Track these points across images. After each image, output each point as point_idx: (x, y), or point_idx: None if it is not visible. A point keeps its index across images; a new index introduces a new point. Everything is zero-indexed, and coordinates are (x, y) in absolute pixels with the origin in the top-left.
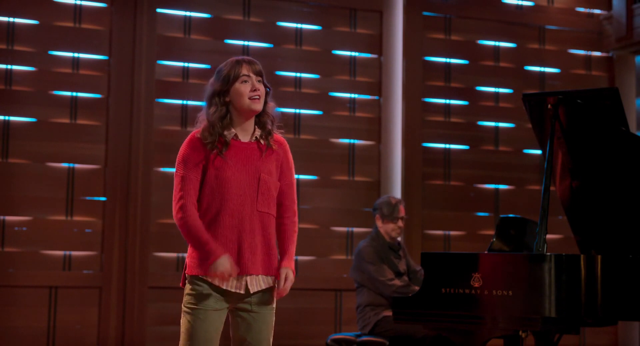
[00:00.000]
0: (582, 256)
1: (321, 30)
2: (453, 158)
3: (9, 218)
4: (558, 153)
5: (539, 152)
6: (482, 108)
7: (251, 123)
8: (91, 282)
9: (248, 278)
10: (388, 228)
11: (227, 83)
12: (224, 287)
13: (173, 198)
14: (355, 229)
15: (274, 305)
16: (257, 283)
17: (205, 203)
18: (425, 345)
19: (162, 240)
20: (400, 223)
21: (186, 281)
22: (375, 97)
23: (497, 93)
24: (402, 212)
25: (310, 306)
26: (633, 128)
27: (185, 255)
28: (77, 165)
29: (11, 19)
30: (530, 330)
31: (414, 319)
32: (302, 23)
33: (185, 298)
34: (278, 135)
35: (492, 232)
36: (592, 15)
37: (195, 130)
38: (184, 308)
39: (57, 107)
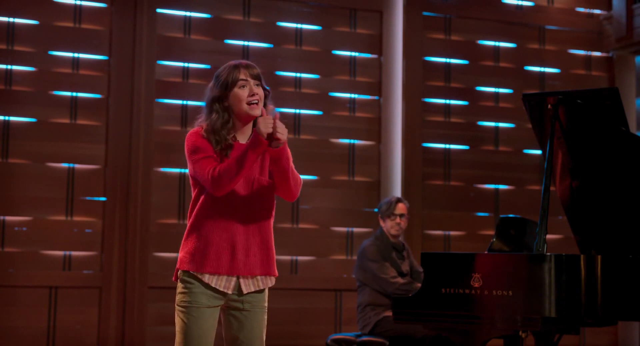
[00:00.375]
0: (582, 256)
1: (321, 30)
2: (453, 159)
3: (9, 218)
4: (558, 153)
5: (539, 152)
6: (482, 109)
7: (250, 126)
8: (91, 282)
9: (241, 279)
10: (387, 226)
11: (225, 88)
12: (213, 285)
13: (204, 181)
14: (355, 229)
15: (266, 304)
16: (254, 283)
17: (204, 202)
18: (425, 345)
19: (162, 240)
20: (398, 220)
21: (178, 276)
22: (375, 97)
23: (497, 94)
24: (400, 209)
25: (311, 306)
26: (633, 129)
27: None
28: (77, 165)
29: (11, 19)
30: (530, 330)
31: (413, 319)
32: (302, 23)
33: (178, 297)
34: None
35: (492, 232)
36: (592, 15)
37: (198, 127)
38: (177, 307)
39: (57, 107)
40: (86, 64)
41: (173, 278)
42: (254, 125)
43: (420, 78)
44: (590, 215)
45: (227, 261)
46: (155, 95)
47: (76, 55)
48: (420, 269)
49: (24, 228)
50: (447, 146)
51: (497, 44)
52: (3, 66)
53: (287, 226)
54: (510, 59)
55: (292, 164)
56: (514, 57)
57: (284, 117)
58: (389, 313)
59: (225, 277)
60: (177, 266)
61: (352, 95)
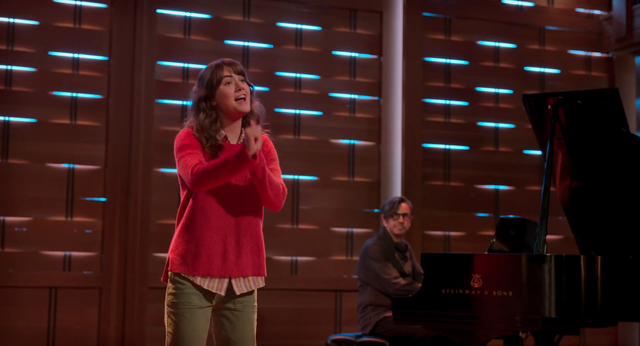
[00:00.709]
0: (582, 256)
1: (321, 31)
2: (453, 159)
3: (9, 218)
4: (558, 153)
5: (539, 152)
6: (482, 109)
7: (238, 124)
8: (91, 283)
9: (233, 280)
10: (390, 225)
11: (211, 87)
12: (205, 287)
13: (185, 175)
14: (355, 230)
15: (256, 303)
16: (246, 284)
17: (194, 205)
18: (425, 345)
19: (162, 241)
20: (401, 219)
21: (168, 278)
22: (375, 98)
23: (497, 94)
24: (403, 208)
25: (311, 306)
26: (633, 129)
27: None
28: (77, 166)
29: (11, 20)
30: (530, 330)
31: (413, 319)
32: (302, 23)
33: (168, 298)
34: (263, 134)
35: (492, 233)
36: (592, 15)
37: (188, 128)
38: (168, 309)
39: (57, 108)
40: (86, 65)
41: (162, 279)
42: (243, 125)
43: (420, 78)
44: (590, 215)
45: (219, 263)
46: (155, 96)
47: (76, 55)
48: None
49: (24, 229)
50: (447, 146)
51: (497, 44)
52: (3, 66)
53: (287, 226)
54: (510, 59)
55: (270, 176)
56: (514, 57)
57: (284, 118)
58: (390, 314)
59: (217, 279)
60: (168, 267)
61: (352, 96)
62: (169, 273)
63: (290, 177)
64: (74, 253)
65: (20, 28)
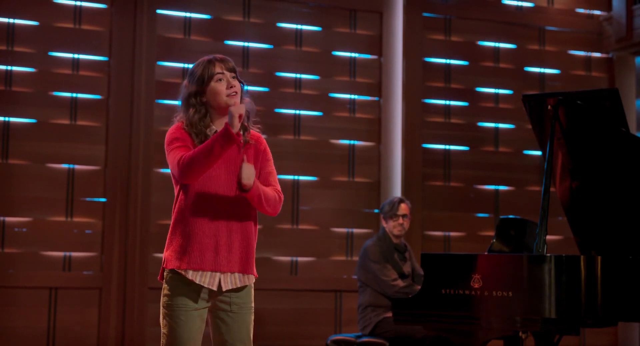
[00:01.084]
0: (582, 257)
1: (321, 31)
2: (453, 159)
3: (9, 219)
4: (558, 154)
5: (539, 153)
6: (482, 109)
7: None
8: (91, 283)
9: (222, 275)
10: (390, 226)
11: (202, 83)
12: (197, 281)
13: (173, 167)
14: (355, 230)
15: (253, 304)
16: (232, 281)
17: (185, 200)
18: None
19: (162, 241)
20: (401, 220)
21: (164, 276)
22: (375, 98)
23: (497, 94)
24: (402, 209)
25: (310, 307)
26: (633, 129)
27: None
28: (77, 166)
29: (11, 20)
30: (531, 330)
31: (413, 320)
32: (302, 24)
33: (163, 299)
34: (255, 131)
35: (492, 233)
36: (592, 16)
37: (179, 123)
38: (163, 310)
39: (57, 108)
40: (86, 65)
41: (159, 278)
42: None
43: (420, 79)
44: (590, 215)
45: (211, 258)
46: (155, 96)
47: (76, 56)
48: (422, 271)
49: (24, 229)
50: (447, 147)
51: (497, 44)
52: (3, 67)
53: (287, 227)
54: (510, 59)
55: (266, 194)
56: (514, 57)
57: (284, 118)
58: (390, 314)
59: (209, 273)
60: (163, 265)
61: (352, 96)
62: (165, 271)
63: (290, 177)
64: (74, 254)
65: (20, 28)
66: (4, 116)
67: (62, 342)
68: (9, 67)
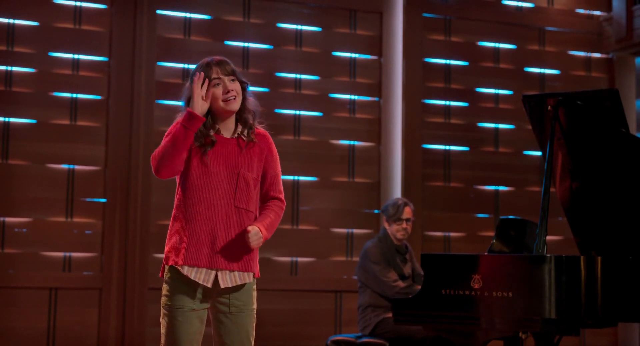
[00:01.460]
0: (582, 257)
1: (321, 32)
2: (453, 160)
3: (9, 219)
4: (558, 154)
5: (539, 153)
6: (482, 110)
7: (232, 120)
8: (91, 283)
9: (219, 272)
10: (393, 230)
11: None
12: (192, 277)
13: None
14: (355, 230)
15: (254, 307)
16: (232, 279)
17: (185, 195)
18: None
19: (162, 241)
20: (404, 225)
21: (164, 274)
22: (375, 98)
23: (497, 95)
24: (407, 213)
25: (310, 307)
26: (633, 130)
27: None
28: (77, 167)
29: (11, 21)
30: (530, 331)
31: (413, 320)
32: (302, 24)
33: (163, 299)
34: (260, 129)
35: (492, 233)
36: (592, 16)
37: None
38: (162, 310)
39: (57, 108)
40: (86, 65)
41: (160, 275)
42: (237, 119)
43: (420, 79)
44: (590, 216)
45: (207, 253)
46: (155, 97)
47: (76, 56)
48: (422, 271)
49: (24, 230)
50: (447, 147)
51: (497, 45)
52: (3, 67)
53: (287, 227)
54: (510, 60)
55: (273, 224)
56: (514, 58)
57: (284, 118)
58: (390, 315)
59: (204, 270)
60: (164, 261)
61: (352, 97)
62: (165, 269)
63: (290, 177)
64: (74, 254)
65: (20, 29)
66: (4, 116)
67: (62, 342)
68: (9, 68)
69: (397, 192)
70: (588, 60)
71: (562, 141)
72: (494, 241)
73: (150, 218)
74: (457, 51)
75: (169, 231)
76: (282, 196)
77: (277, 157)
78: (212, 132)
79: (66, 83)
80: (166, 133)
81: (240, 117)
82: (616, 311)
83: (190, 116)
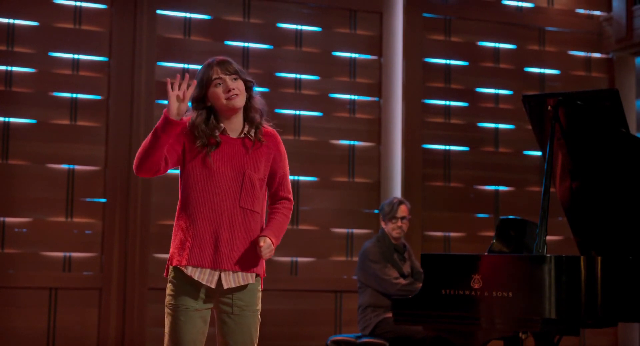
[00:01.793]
0: (582, 257)
1: (321, 32)
2: (453, 160)
3: (9, 219)
4: (558, 154)
5: (539, 153)
6: (482, 110)
7: (239, 119)
8: (91, 283)
9: (222, 273)
10: (389, 228)
11: (202, 88)
12: (196, 278)
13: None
14: (355, 230)
15: (259, 307)
16: (235, 279)
17: (188, 195)
18: None
19: (162, 241)
20: (400, 223)
21: (168, 274)
22: (375, 98)
23: (497, 95)
24: (402, 211)
25: (310, 307)
26: (633, 130)
27: None
28: (77, 167)
29: (11, 21)
30: (530, 331)
31: (413, 320)
32: (302, 24)
33: (167, 298)
34: (268, 127)
35: (492, 233)
36: (592, 16)
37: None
38: (166, 309)
39: (57, 108)
40: (86, 65)
41: (164, 274)
42: (245, 118)
43: (420, 79)
44: (590, 216)
45: (210, 254)
46: (155, 97)
47: (76, 56)
48: (422, 270)
49: (24, 230)
50: (447, 147)
51: (497, 45)
52: (3, 67)
53: (287, 227)
54: (510, 60)
55: (282, 231)
56: (514, 58)
57: (284, 118)
58: (390, 315)
59: (208, 271)
60: (168, 262)
61: (352, 97)
62: (169, 269)
63: (291, 177)
64: (74, 254)
65: (20, 29)
66: (4, 116)
67: (62, 342)
68: (9, 68)
69: (397, 192)
70: (588, 60)
71: (562, 141)
72: (494, 241)
73: (150, 218)
74: (457, 51)
75: (173, 231)
76: (291, 196)
77: (286, 156)
78: (217, 132)
79: (66, 83)
80: (152, 130)
81: (247, 116)
82: (616, 311)
83: (166, 121)
